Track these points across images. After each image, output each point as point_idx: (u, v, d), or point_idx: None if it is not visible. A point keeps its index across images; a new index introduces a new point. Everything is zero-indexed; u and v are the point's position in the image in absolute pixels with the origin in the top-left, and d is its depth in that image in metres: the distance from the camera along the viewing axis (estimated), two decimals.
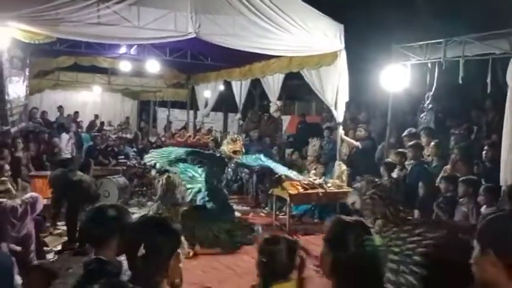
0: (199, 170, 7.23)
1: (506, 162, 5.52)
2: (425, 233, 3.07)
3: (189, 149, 7.66)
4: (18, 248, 4.75)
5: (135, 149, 11.74)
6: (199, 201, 6.92)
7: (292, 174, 8.13)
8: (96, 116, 16.67)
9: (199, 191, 7.02)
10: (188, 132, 14.61)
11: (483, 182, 5.53)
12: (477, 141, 7.77)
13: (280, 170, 7.79)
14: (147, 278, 1.76)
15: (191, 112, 15.84)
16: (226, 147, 7.12)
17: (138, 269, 1.79)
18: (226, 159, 7.06)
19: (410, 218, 3.42)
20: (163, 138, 13.85)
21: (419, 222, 3.32)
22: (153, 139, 12.10)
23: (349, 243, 1.89)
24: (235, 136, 7.58)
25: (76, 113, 15.32)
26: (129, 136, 13.26)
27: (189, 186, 6.87)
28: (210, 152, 8.59)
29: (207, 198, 6.87)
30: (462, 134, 7.84)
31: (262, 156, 8.01)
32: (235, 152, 7.05)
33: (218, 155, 7.35)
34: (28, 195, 5.30)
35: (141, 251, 1.75)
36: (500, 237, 1.45)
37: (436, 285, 2.64)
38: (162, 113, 18.86)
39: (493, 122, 8.21)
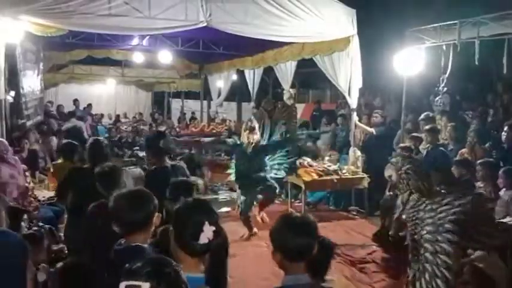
0: None
1: None
2: (453, 201, 3.26)
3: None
4: None
5: None
6: None
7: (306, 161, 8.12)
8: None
9: None
10: (200, 121, 14.64)
11: (501, 165, 5.44)
12: (494, 123, 7.65)
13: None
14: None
15: (205, 102, 15.84)
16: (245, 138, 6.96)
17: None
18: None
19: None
20: (177, 129, 13.90)
21: (447, 192, 3.38)
22: (162, 128, 12.11)
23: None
24: (252, 124, 7.16)
25: (89, 105, 15.43)
26: (143, 127, 13.33)
27: None
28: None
29: None
30: (478, 117, 7.73)
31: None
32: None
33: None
34: None
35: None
36: None
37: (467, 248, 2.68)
38: (176, 104, 18.92)
39: (510, 104, 8.09)
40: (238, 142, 6.96)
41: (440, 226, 3.23)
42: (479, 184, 5.27)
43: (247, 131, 6.95)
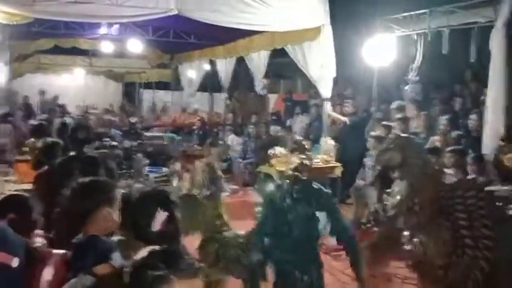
0: None
1: (489, 131, 5.53)
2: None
3: None
4: None
5: (120, 132, 11.58)
6: None
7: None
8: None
9: None
10: (171, 112, 14.49)
11: (470, 152, 5.54)
12: (462, 112, 7.80)
13: None
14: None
15: (176, 93, 15.66)
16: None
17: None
18: None
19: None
20: (149, 120, 13.71)
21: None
22: (133, 120, 11.93)
23: None
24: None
25: (56, 96, 15.06)
26: (113, 119, 13.08)
27: None
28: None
29: None
30: (447, 106, 7.86)
31: None
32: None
33: None
34: None
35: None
36: None
37: None
38: (147, 95, 18.62)
39: (477, 92, 8.26)
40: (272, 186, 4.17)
41: (474, 212, 3.63)
42: (449, 171, 5.35)
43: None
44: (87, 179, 2.28)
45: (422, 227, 3.75)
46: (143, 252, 1.35)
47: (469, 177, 5.12)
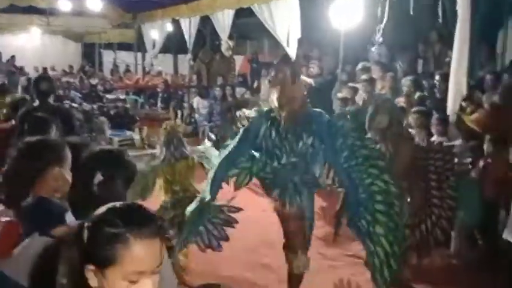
0: None
1: (454, 92, 5.59)
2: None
3: None
4: None
5: (80, 94, 11.21)
6: None
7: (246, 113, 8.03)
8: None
9: None
10: (133, 75, 14.10)
11: (434, 113, 5.59)
12: (425, 73, 7.87)
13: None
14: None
15: (139, 54, 15.20)
16: None
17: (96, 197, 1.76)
18: None
19: None
20: (111, 82, 13.31)
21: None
22: (94, 81, 11.56)
23: None
24: None
25: (13, 57, 14.40)
26: (72, 81, 12.64)
27: None
28: None
29: None
30: (411, 67, 7.91)
31: None
32: None
33: None
34: None
35: (98, 177, 1.75)
36: None
37: None
38: (108, 56, 18.04)
39: (441, 54, 8.33)
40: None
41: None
42: (413, 131, 5.41)
43: None
44: (34, 138, 2.17)
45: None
46: (102, 208, 1.26)
47: (434, 138, 5.21)
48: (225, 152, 3.33)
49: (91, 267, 1.22)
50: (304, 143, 3.14)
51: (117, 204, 1.27)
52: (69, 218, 1.82)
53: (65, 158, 2.09)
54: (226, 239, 3.64)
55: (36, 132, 2.96)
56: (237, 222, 3.95)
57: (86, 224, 1.24)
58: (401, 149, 3.88)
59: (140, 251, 1.20)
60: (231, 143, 3.34)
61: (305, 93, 3.38)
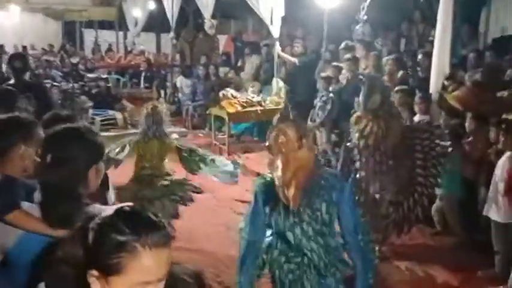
0: None
1: (437, 71, 5.61)
2: None
3: None
4: None
5: (60, 73, 11.01)
6: None
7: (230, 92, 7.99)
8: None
9: None
10: (115, 54, 13.88)
11: (417, 92, 5.62)
12: (408, 52, 7.88)
13: None
14: (62, 189, 1.60)
15: (121, 33, 14.96)
16: None
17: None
18: None
19: None
20: (93, 61, 13.08)
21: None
22: (75, 60, 11.35)
23: None
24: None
25: None
26: (53, 59, 12.39)
27: None
28: None
29: None
30: (394, 46, 7.91)
31: None
32: None
33: None
34: None
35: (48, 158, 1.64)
36: None
37: None
38: (89, 35, 17.68)
39: (425, 33, 8.35)
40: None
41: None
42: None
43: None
44: (3, 116, 2.09)
45: (383, 165, 3.86)
46: (109, 211, 1.18)
47: (416, 116, 5.25)
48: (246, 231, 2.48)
49: (95, 272, 1.15)
50: (321, 216, 2.32)
51: (126, 208, 1.18)
52: (37, 197, 1.77)
53: (34, 136, 2.00)
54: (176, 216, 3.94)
55: (1, 104, 2.93)
56: (191, 200, 4.35)
57: (91, 226, 1.17)
58: (392, 127, 3.89)
59: (148, 261, 1.13)
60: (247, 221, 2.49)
61: (315, 152, 2.48)
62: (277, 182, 2.25)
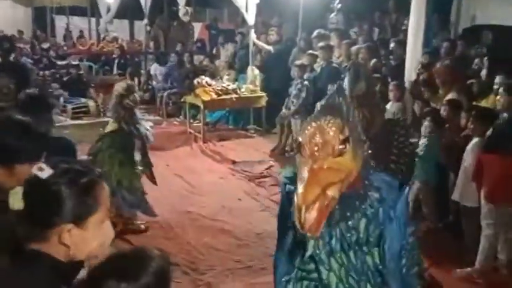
0: None
1: (411, 59, 5.70)
2: None
3: None
4: None
5: (31, 60, 10.73)
6: None
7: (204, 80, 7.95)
8: None
9: None
10: (87, 41, 13.60)
11: (390, 80, 5.71)
12: (381, 41, 7.98)
13: None
14: None
15: (93, 19, 14.65)
16: None
17: None
18: None
19: None
20: (65, 48, 12.80)
21: None
22: (45, 45, 11.07)
23: None
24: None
25: None
26: (23, 46, 12.06)
27: None
28: None
29: None
30: (364, 34, 7.99)
31: None
32: None
33: None
34: None
35: None
36: None
37: None
38: (60, 21, 17.26)
39: (398, 22, 8.46)
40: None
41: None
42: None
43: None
44: None
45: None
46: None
47: (390, 103, 5.33)
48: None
49: (68, 226, 1.22)
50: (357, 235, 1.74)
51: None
52: None
53: None
54: None
55: None
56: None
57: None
58: (375, 117, 3.89)
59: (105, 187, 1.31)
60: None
61: (362, 160, 1.68)
62: (295, 200, 1.54)
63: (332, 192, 1.53)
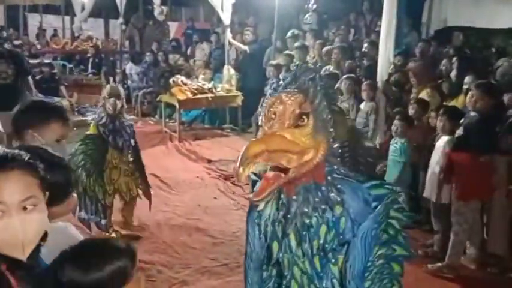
0: None
1: (383, 60, 5.79)
2: None
3: None
4: None
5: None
6: None
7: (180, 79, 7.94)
8: None
9: None
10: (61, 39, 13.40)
11: (363, 80, 5.79)
12: (356, 42, 8.09)
13: None
14: None
15: (67, 18, 14.43)
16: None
17: None
18: None
19: None
20: (38, 46, 12.58)
21: None
22: (17, 42, 10.86)
23: None
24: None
25: None
26: None
27: None
28: None
29: None
30: (340, 35, 8.10)
31: None
32: None
33: None
34: None
35: None
36: None
37: None
38: (33, 20, 16.94)
39: (372, 24, 8.59)
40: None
41: None
42: (342, 98, 5.58)
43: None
44: None
45: None
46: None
47: (363, 103, 5.41)
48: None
49: None
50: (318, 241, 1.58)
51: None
52: None
53: None
54: None
55: None
56: None
57: None
58: (338, 124, 3.92)
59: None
60: None
61: (327, 145, 1.59)
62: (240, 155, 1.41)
63: (283, 160, 1.45)
